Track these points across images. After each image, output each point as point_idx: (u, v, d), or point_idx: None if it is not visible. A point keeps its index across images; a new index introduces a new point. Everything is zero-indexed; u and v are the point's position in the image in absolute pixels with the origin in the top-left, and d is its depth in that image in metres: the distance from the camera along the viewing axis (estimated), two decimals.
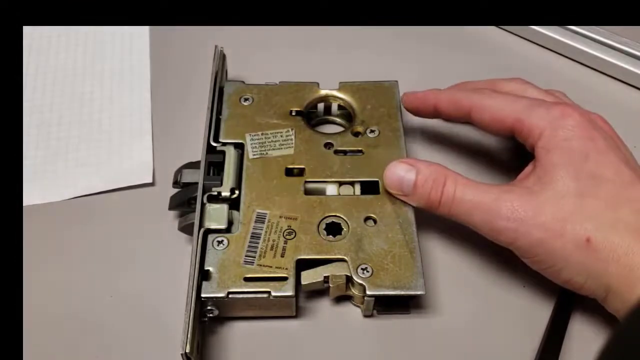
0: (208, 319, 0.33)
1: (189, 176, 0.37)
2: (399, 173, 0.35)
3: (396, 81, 0.42)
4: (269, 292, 0.32)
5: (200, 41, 0.47)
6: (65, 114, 0.43)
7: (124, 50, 0.47)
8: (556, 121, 0.33)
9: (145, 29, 0.48)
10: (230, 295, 0.32)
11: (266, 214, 0.35)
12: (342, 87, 0.42)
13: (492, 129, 0.36)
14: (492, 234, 0.33)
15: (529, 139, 0.34)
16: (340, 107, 0.42)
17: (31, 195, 0.39)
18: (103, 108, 0.44)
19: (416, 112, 0.39)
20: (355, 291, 0.34)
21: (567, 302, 0.34)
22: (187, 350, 0.29)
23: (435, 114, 0.38)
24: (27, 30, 0.48)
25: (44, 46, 0.47)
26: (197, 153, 0.38)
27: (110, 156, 0.41)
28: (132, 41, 0.48)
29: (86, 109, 0.44)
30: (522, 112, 0.34)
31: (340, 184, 0.37)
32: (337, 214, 0.35)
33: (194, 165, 0.38)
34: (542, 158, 0.33)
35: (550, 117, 0.33)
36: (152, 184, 0.40)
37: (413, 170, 0.34)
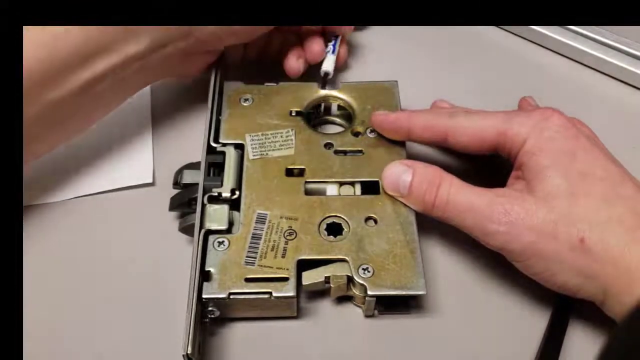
0: (209, 319, 0.33)
1: (189, 177, 0.37)
2: (396, 173, 0.35)
3: (396, 81, 0.42)
4: (270, 293, 0.32)
5: None
6: None
7: None
8: (539, 124, 0.33)
9: None
10: (231, 296, 0.32)
11: (267, 214, 0.35)
12: (342, 87, 0.42)
13: (471, 148, 0.35)
14: (484, 238, 0.32)
15: (513, 148, 0.34)
16: (340, 107, 0.42)
17: (31, 195, 0.39)
18: None
19: (386, 135, 0.38)
20: (356, 291, 0.34)
21: (565, 308, 0.34)
22: (189, 352, 0.29)
23: (407, 138, 0.37)
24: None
25: None
26: (197, 153, 0.38)
27: (111, 156, 0.41)
28: None
29: None
30: (503, 124, 0.34)
31: (341, 184, 0.37)
32: (338, 214, 0.35)
33: (194, 165, 0.38)
34: (529, 162, 0.32)
35: (532, 121, 0.33)
36: (152, 184, 0.40)
37: (410, 171, 0.34)
